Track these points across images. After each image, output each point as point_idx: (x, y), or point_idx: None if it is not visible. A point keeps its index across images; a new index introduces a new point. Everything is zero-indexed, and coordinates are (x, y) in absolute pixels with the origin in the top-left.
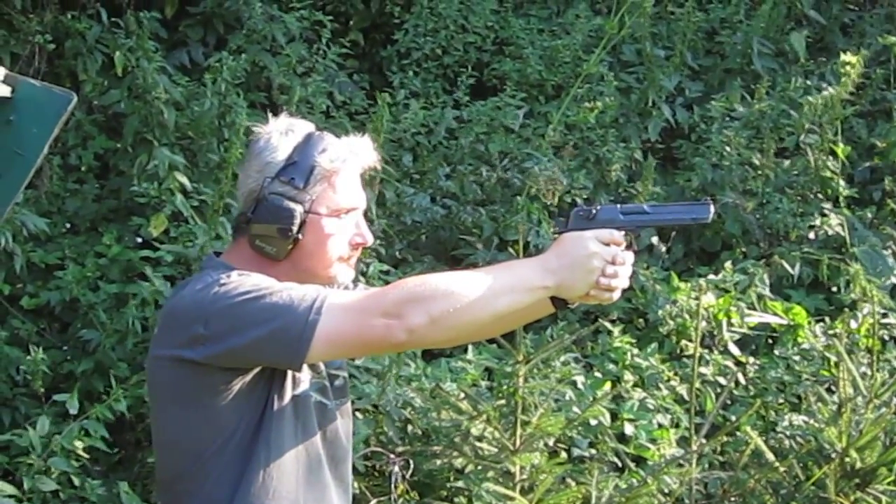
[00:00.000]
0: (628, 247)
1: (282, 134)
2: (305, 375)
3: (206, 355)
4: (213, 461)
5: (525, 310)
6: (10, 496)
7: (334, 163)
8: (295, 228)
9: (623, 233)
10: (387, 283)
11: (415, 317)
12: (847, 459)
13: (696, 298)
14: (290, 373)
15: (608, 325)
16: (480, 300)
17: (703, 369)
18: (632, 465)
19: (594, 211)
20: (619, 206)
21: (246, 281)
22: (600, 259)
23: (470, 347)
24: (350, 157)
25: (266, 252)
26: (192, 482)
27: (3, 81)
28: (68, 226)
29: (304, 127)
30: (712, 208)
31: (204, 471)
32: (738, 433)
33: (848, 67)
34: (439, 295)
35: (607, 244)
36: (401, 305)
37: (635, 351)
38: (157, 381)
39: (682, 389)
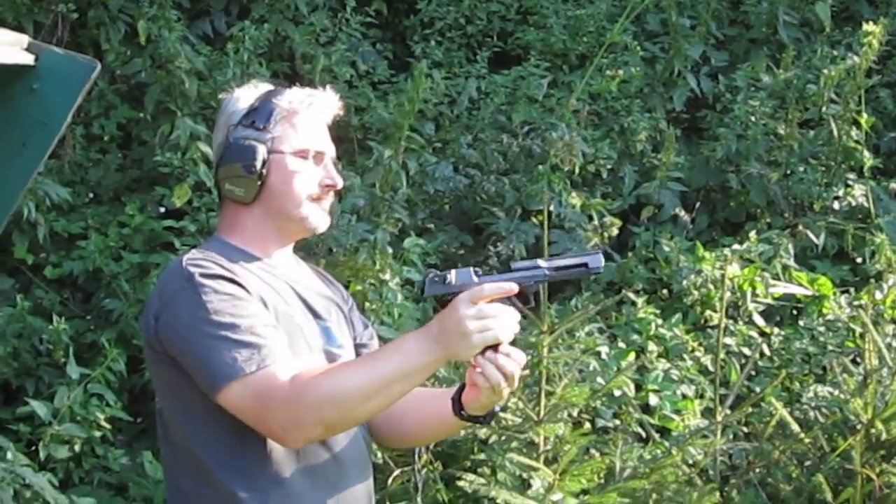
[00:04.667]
0: (516, 300)
1: (246, 89)
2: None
3: (158, 340)
4: (201, 422)
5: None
6: (26, 465)
7: (293, 104)
8: (258, 164)
9: (512, 285)
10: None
11: (309, 430)
12: (872, 431)
13: (721, 268)
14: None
15: (632, 295)
16: (374, 398)
17: (727, 340)
18: (656, 435)
19: (448, 276)
20: (472, 268)
21: (210, 295)
22: (472, 322)
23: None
24: (308, 100)
25: (236, 196)
26: (184, 444)
27: (27, 49)
28: (91, 195)
29: (269, 86)
30: (602, 259)
31: (192, 431)
32: (762, 404)
33: (870, 37)
34: (333, 404)
35: (477, 302)
36: (294, 419)
37: (659, 321)
38: (143, 342)
39: (707, 360)
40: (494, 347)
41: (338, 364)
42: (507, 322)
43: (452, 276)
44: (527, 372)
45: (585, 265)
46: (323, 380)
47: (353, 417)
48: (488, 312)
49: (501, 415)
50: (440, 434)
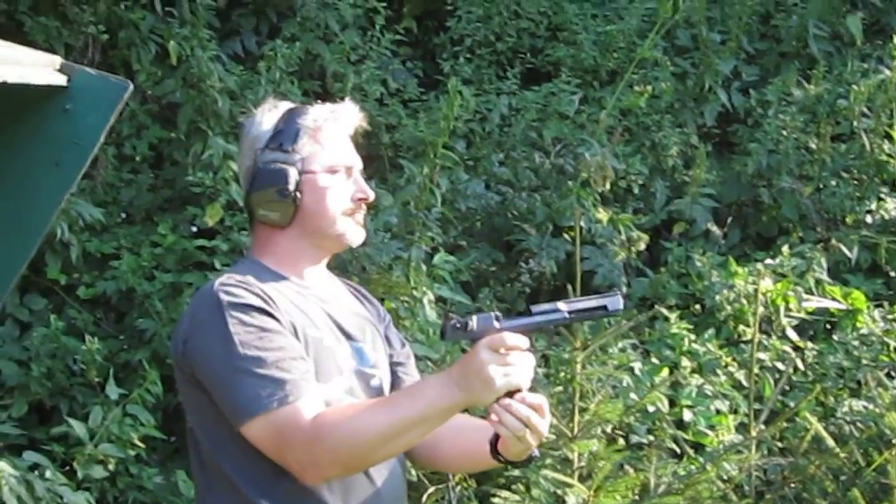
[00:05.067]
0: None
1: (266, 111)
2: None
3: (187, 363)
4: (231, 443)
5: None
6: (65, 485)
7: (317, 121)
8: (291, 187)
9: (520, 335)
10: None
11: (327, 470)
12: None
13: (754, 283)
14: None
15: (665, 311)
16: (393, 441)
17: (761, 355)
18: (690, 451)
19: (469, 323)
20: (493, 314)
21: (237, 326)
22: (494, 367)
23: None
24: (331, 116)
25: (271, 220)
26: (215, 464)
27: (59, 70)
28: (123, 216)
29: (288, 104)
30: (621, 301)
31: (223, 451)
32: (797, 419)
33: None
34: (351, 447)
35: (498, 350)
36: (313, 458)
37: (693, 337)
38: (173, 361)
39: (741, 375)
40: (511, 394)
41: (359, 404)
42: (526, 368)
43: (474, 322)
44: (560, 388)
45: (605, 307)
46: (343, 422)
47: (371, 460)
48: (509, 359)
49: None
50: (474, 468)
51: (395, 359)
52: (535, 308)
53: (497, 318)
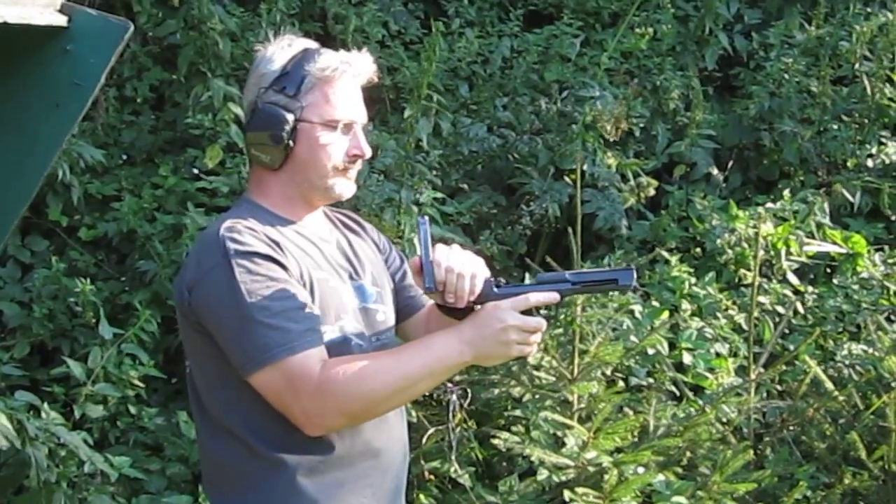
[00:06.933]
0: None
1: (280, 48)
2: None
3: (191, 310)
4: (234, 389)
5: None
6: (60, 425)
7: (325, 72)
8: (285, 135)
9: (546, 297)
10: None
11: (333, 420)
12: None
13: (755, 227)
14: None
15: (666, 254)
16: (399, 394)
17: (761, 298)
18: (690, 394)
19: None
20: (492, 279)
21: (244, 275)
22: (517, 331)
23: (526, 275)
24: (342, 67)
25: (262, 161)
26: (216, 412)
27: (60, 11)
28: (124, 157)
29: (304, 43)
30: (635, 275)
31: (224, 398)
32: (796, 362)
33: None
34: (359, 399)
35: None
36: (320, 408)
37: (693, 280)
38: (176, 306)
39: (741, 318)
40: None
41: (368, 355)
42: (538, 338)
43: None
44: (560, 330)
45: (615, 281)
46: (351, 373)
47: (378, 411)
48: (532, 325)
49: (535, 373)
50: None
51: (399, 282)
52: (540, 276)
53: (497, 285)
